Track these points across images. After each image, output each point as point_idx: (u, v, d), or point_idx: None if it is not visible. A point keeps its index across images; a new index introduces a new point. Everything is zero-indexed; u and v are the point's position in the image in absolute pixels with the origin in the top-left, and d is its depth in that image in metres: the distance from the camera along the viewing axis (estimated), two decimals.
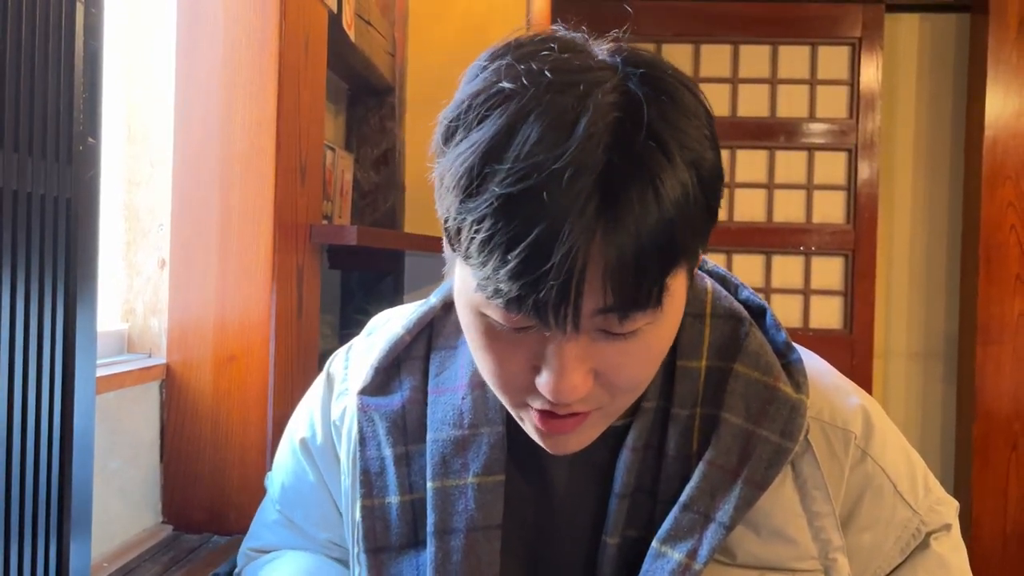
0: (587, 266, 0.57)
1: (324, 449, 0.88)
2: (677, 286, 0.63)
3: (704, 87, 0.65)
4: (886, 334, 2.95)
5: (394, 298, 2.13)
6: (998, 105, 2.70)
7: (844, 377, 0.83)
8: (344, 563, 0.91)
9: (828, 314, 2.90)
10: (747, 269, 2.89)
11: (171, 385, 1.29)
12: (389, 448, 0.79)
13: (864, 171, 2.85)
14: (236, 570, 0.99)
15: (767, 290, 2.89)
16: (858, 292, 2.86)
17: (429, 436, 0.78)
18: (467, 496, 0.76)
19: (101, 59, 0.84)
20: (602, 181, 0.56)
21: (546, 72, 0.59)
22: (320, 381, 0.92)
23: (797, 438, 0.73)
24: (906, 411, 2.96)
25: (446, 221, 0.62)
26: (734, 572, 0.74)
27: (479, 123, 0.59)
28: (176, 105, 1.29)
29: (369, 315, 0.95)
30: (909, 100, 2.94)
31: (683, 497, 0.74)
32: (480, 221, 0.58)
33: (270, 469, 0.99)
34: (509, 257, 0.57)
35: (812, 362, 0.82)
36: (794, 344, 0.78)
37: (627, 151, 0.57)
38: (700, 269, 0.82)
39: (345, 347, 0.93)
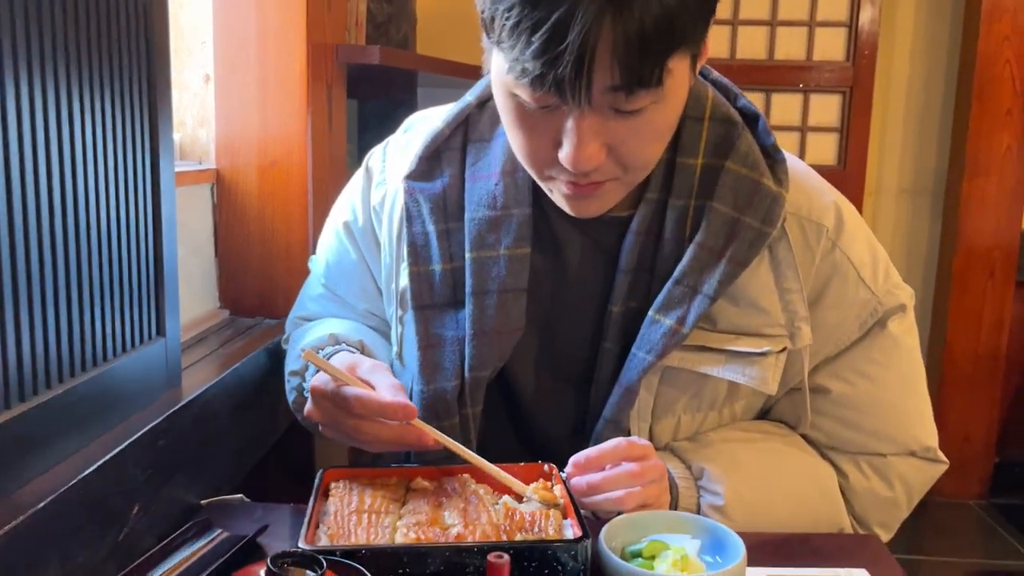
0: (598, 45, 0.69)
1: (365, 231, 1.02)
2: (679, 70, 0.75)
3: None
4: (879, 170, 3.03)
5: None
6: None
7: (823, 180, 0.95)
8: (378, 331, 1.06)
9: (823, 150, 2.96)
10: None
11: (221, 188, 1.44)
12: (432, 224, 0.92)
13: (866, 7, 2.87)
14: (284, 336, 1.15)
15: None
16: (854, 128, 2.91)
17: (467, 215, 0.92)
18: (499, 265, 0.90)
19: None
20: None
21: None
22: (359, 174, 1.06)
23: (776, 224, 0.86)
24: (892, 246, 3.02)
25: (482, 12, 0.74)
26: (714, 336, 0.89)
27: None
28: None
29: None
30: None
31: (676, 273, 0.87)
32: (509, 9, 0.70)
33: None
34: (533, 39, 0.69)
35: (796, 164, 0.93)
36: (781, 148, 0.89)
37: None
38: (705, 78, 0.92)
39: (382, 144, 1.06)
